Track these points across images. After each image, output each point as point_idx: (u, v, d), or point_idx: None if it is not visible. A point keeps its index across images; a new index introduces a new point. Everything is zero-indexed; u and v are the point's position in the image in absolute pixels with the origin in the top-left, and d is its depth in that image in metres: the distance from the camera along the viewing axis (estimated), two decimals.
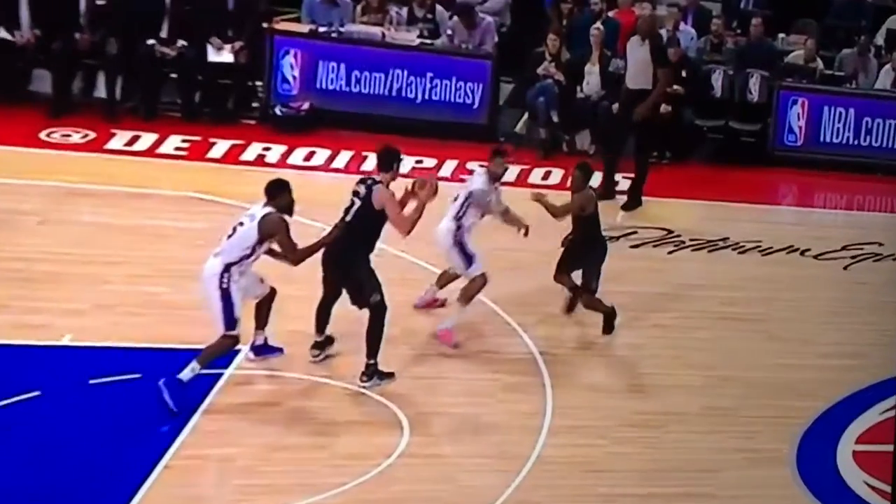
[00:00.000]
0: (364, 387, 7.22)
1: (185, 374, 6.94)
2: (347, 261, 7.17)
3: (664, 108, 10.79)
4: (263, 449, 6.76)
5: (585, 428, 7.29)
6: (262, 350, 7.44)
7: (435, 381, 7.48)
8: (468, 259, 7.79)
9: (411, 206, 7.37)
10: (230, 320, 6.95)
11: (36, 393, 6.84)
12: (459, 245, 7.79)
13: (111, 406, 6.84)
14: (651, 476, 6.98)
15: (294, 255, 7.04)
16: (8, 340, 7.39)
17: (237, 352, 7.31)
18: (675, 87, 11.08)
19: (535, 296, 8.55)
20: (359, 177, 7.59)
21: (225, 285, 6.95)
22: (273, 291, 7.30)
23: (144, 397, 6.96)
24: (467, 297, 7.80)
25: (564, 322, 8.30)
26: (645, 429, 7.34)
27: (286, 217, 7.07)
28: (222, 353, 7.06)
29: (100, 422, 6.67)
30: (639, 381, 7.82)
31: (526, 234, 8.03)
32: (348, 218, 7.23)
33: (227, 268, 7.00)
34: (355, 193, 7.27)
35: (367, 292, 7.13)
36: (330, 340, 7.45)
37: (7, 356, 7.28)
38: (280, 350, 7.45)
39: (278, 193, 7.08)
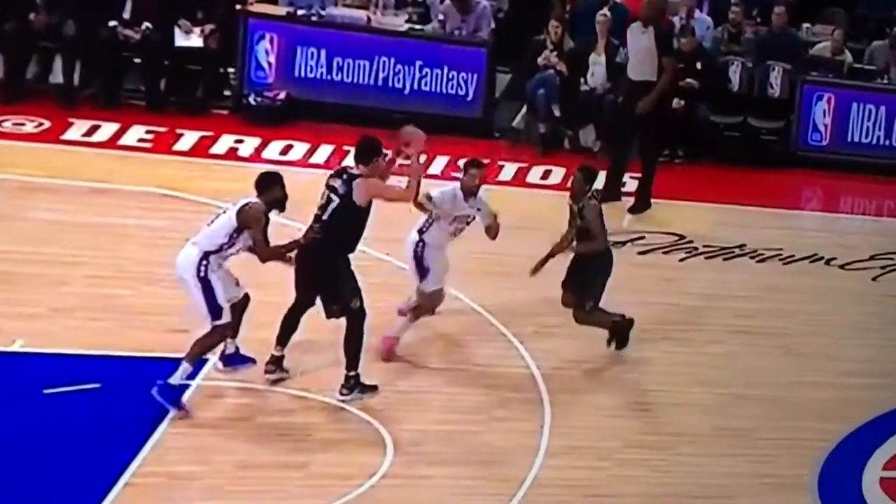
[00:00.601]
0: (344, 400, 7.33)
1: (177, 377, 7.03)
2: (324, 263, 7.26)
3: (676, 102, 10.92)
4: (233, 466, 6.86)
5: (586, 449, 7.38)
6: (233, 360, 7.55)
7: (422, 396, 7.58)
8: (423, 273, 7.84)
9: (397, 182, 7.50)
10: (215, 308, 7.06)
11: None
12: (418, 259, 7.85)
13: (67, 418, 6.93)
14: (659, 501, 7.09)
15: (264, 252, 7.16)
16: None
17: (205, 361, 7.42)
18: (690, 80, 11.22)
19: (533, 305, 8.66)
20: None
21: (203, 273, 7.07)
22: (247, 297, 7.41)
23: (103, 409, 7.05)
24: (417, 314, 7.86)
25: (564, 334, 8.40)
26: (652, 451, 7.44)
27: (273, 212, 7.17)
28: (214, 346, 7.15)
29: (55, 435, 6.76)
30: (645, 398, 7.93)
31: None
32: (325, 216, 7.31)
33: (206, 256, 7.14)
34: (331, 189, 7.33)
35: (346, 297, 7.24)
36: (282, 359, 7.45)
37: None
38: (252, 360, 7.56)
39: (267, 187, 7.21)
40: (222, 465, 6.86)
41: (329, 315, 7.33)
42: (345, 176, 7.34)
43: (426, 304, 7.90)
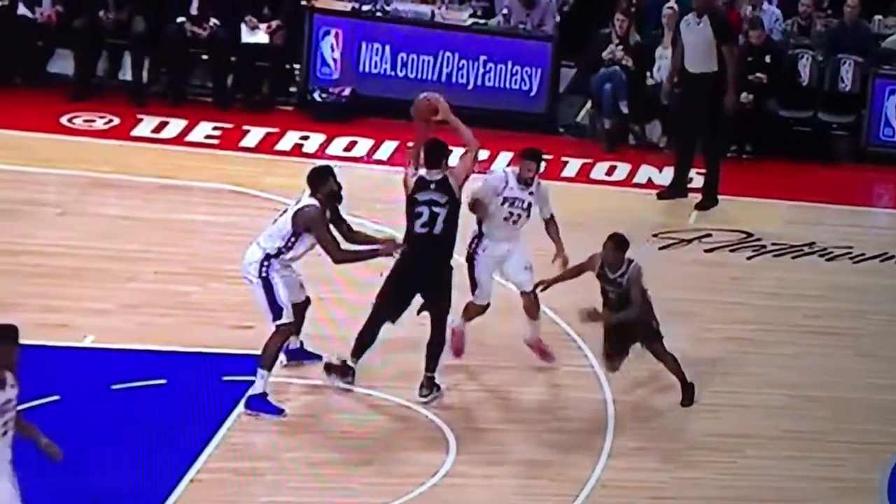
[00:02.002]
0: (425, 402, 7.32)
1: (258, 387, 7.11)
2: (445, 274, 7.29)
3: (745, 96, 10.80)
4: (297, 463, 6.92)
5: (651, 450, 7.34)
6: (297, 354, 7.61)
7: (486, 395, 7.59)
8: (472, 285, 7.69)
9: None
10: (276, 308, 7.12)
11: (55, 398, 7.06)
12: (469, 272, 7.67)
13: (135, 414, 7.04)
14: None
15: (336, 255, 7.18)
16: (25, 340, 7.62)
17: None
18: (758, 74, 11.08)
19: (597, 303, 8.57)
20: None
21: (264, 273, 7.14)
22: (307, 300, 7.45)
23: (170, 405, 7.16)
24: (469, 315, 7.71)
25: None
26: (717, 452, 7.38)
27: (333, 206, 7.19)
28: (281, 347, 7.21)
29: (123, 431, 6.87)
30: (711, 399, 7.84)
31: (558, 260, 7.68)
32: (437, 231, 7.26)
33: (268, 257, 7.19)
34: (430, 203, 7.26)
35: (446, 304, 7.24)
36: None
37: (24, 357, 7.51)
38: (318, 357, 7.60)
39: (319, 183, 7.24)
40: (287, 461, 6.93)
41: (427, 308, 7.30)
42: (433, 185, 7.31)
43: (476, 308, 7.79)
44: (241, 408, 7.22)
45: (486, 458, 7.11)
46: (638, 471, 7.16)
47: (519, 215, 7.72)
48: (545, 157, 8.38)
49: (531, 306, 7.78)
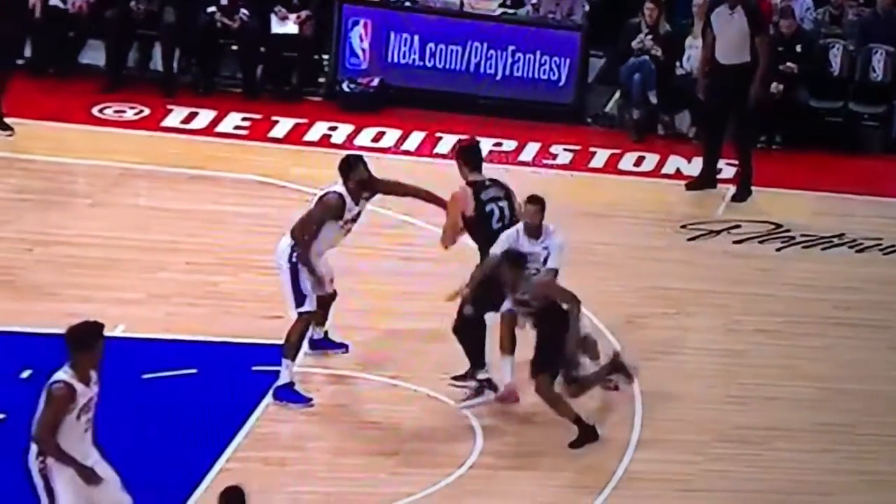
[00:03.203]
0: (465, 406, 7.22)
1: (283, 377, 7.12)
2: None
3: (775, 87, 10.69)
4: (325, 453, 6.94)
5: (678, 442, 7.30)
6: (321, 343, 7.59)
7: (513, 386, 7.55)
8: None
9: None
10: (299, 295, 7.13)
11: None
12: None
13: (165, 403, 7.07)
14: (752, 498, 6.97)
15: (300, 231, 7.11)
16: (56, 329, 7.67)
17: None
18: (789, 64, 10.97)
19: (624, 295, 8.59)
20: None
21: (294, 260, 7.15)
22: (334, 293, 7.43)
23: (200, 394, 7.18)
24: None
25: (656, 324, 8.32)
26: (746, 445, 7.33)
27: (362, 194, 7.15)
28: (304, 336, 7.22)
29: (153, 420, 6.90)
30: (740, 392, 7.79)
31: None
32: (506, 223, 7.26)
33: (297, 244, 7.20)
34: (496, 199, 7.23)
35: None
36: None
37: (55, 346, 7.56)
38: (344, 347, 7.59)
39: (349, 170, 7.24)
40: (315, 451, 6.95)
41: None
42: (488, 183, 7.31)
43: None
44: (269, 398, 7.22)
45: (513, 449, 7.10)
46: (665, 463, 7.12)
47: (537, 269, 7.34)
48: (572, 147, 8.28)
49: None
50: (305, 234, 7.17)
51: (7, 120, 9.76)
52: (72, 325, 5.78)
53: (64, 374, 5.74)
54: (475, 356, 7.21)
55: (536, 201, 7.29)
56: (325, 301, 7.42)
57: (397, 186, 7.47)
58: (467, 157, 7.34)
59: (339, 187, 7.26)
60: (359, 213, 7.35)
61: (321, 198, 7.27)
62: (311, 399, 7.22)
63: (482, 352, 7.20)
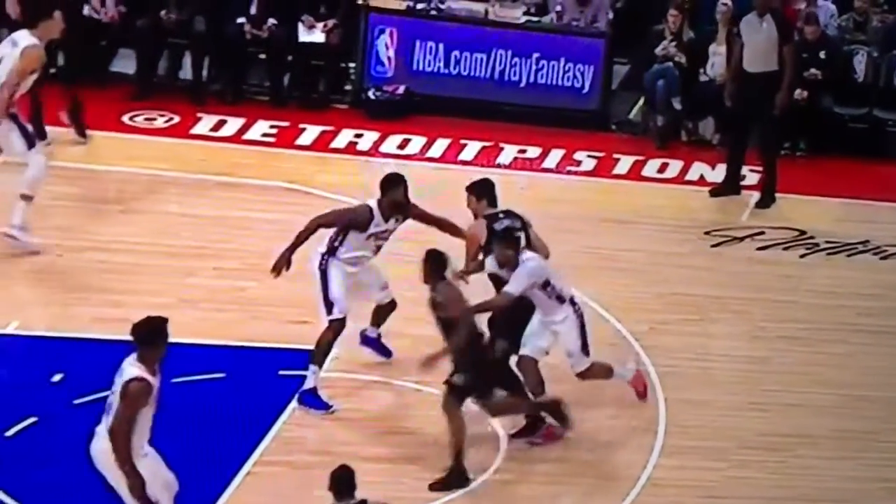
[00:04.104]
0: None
1: (309, 382, 7.20)
2: None
3: (799, 93, 10.67)
4: (351, 458, 6.92)
5: (702, 449, 7.30)
6: (371, 342, 7.64)
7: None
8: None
9: None
10: (327, 301, 7.21)
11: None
12: None
13: (193, 407, 7.14)
14: None
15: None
16: (87, 334, 7.78)
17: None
18: (813, 70, 10.94)
19: (647, 301, 8.60)
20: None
21: (323, 266, 7.25)
22: (393, 303, 7.49)
23: (228, 399, 7.25)
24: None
25: (678, 331, 8.32)
26: (769, 452, 7.33)
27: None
28: (332, 343, 7.29)
29: (181, 424, 6.98)
30: (763, 398, 7.79)
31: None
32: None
33: (327, 252, 7.29)
34: (517, 230, 7.17)
35: None
36: None
37: (86, 350, 7.67)
38: (388, 353, 7.62)
39: (388, 188, 7.32)
40: (340, 456, 6.95)
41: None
42: (501, 215, 7.28)
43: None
44: (295, 402, 7.29)
45: (537, 454, 7.12)
46: (689, 469, 7.13)
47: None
48: (596, 154, 8.22)
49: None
50: (332, 232, 7.22)
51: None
52: (137, 321, 5.92)
53: (136, 370, 5.86)
54: (519, 391, 7.16)
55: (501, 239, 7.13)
56: (385, 310, 7.48)
57: (427, 216, 7.45)
58: (482, 192, 7.33)
59: (373, 201, 7.35)
60: (388, 233, 7.39)
61: (356, 207, 7.39)
62: (331, 406, 7.27)
63: (522, 387, 7.14)
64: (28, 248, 8.47)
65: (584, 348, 7.17)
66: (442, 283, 6.85)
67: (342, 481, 5.62)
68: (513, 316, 7.12)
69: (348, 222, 7.31)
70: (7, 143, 8.47)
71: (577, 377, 7.23)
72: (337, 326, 7.29)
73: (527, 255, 7.04)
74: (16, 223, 8.43)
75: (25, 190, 8.44)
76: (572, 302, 7.13)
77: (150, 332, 5.90)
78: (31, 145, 8.47)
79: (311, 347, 7.34)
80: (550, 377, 7.37)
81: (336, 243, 7.33)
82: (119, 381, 5.89)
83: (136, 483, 5.78)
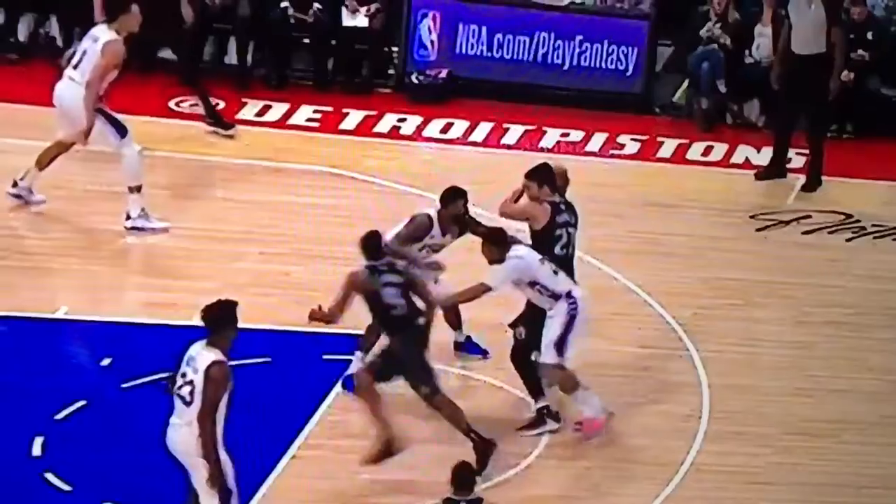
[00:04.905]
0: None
1: (353, 368, 7.22)
2: None
3: (846, 74, 10.52)
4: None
5: (746, 434, 7.26)
6: (465, 347, 7.63)
7: (582, 377, 7.47)
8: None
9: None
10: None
11: (164, 374, 7.25)
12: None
13: (239, 391, 7.17)
14: (820, 491, 6.93)
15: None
16: (136, 319, 7.86)
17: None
18: (860, 51, 10.79)
19: (692, 286, 8.54)
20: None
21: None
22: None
23: (273, 383, 7.29)
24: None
25: (723, 316, 8.26)
26: (814, 438, 7.28)
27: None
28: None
29: (228, 408, 7.01)
30: (808, 384, 7.73)
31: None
32: (570, 252, 7.22)
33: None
34: (567, 225, 7.17)
35: None
36: None
37: (136, 336, 7.75)
38: (484, 352, 7.58)
39: (447, 201, 7.31)
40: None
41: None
42: (562, 206, 7.23)
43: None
44: (339, 386, 7.32)
45: (580, 441, 7.10)
46: (733, 455, 7.09)
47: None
48: (640, 137, 8.14)
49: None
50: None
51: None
52: (207, 305, 5.97)
53: (213, 354, 5.91)
54: (533, 385, 7.14)
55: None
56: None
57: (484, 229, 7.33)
58: (543, 178, 7.22)
59: (433, 211, 7.36)
60: (441, 246, 7.37)
61: (413, 217, 7.34)
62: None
63: (538, 380, 7.13)
64: (156, 232, 8.60)
65: (559, 345, 6.95)
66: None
67: (463, 477, 5.70)
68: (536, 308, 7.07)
69: (412, 234, 7.24)
70: (101, 137, 8.55)
71: (540, 370, 7.04)
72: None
73: (515, 251, 6.99)
74: (133, 214, 8.59)
75: (130, 182, 8.59)
76: (569, 296, 6.98)
77: (222, 316, 5.95)
78: (122, 136, 8.57)
79: (355, 332, 7.36)
80: (601, 362, 7.32)
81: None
82: (192, 369, 5.92)
83: (217, 471, 5.83)
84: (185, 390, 5.91)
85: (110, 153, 8.80)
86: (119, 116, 8.67)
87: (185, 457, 5.95)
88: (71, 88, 8.53)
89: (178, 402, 5.98)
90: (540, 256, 7.01)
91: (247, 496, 6.34)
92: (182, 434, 5.91)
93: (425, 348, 6.77)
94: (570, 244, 7.25)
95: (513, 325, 7.20)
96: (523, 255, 6.98)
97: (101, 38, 8.53)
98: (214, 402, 5.86)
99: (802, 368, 7.86)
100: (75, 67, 8.56)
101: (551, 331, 6.97)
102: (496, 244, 6.97)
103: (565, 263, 7.19)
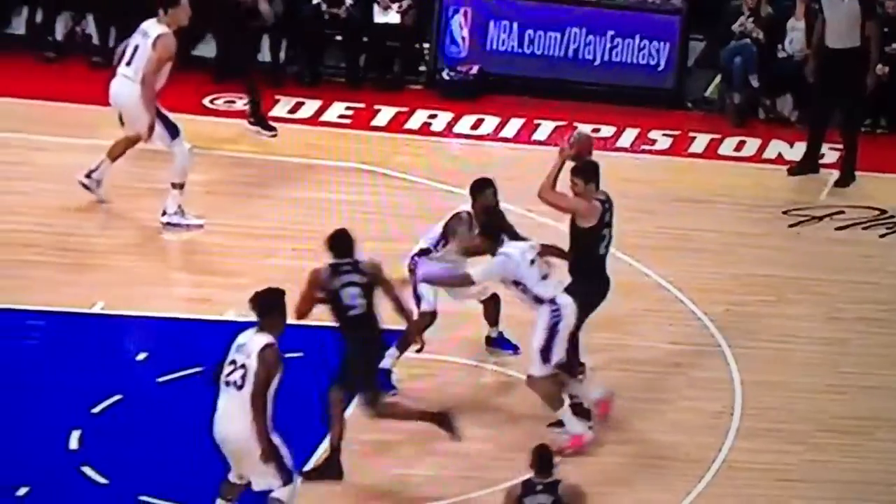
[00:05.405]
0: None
1: (385, 363, 7.23)
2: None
3: (880, 69, 10.45)
4: (423, 437, 7.03)
5: (779, 432, 7.25)
6: (497, 342, 7.65)
7: (610, 373, 7.57)
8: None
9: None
10: (416, 295, 7.26)
11: (198, 369, 7.35)
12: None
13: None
14: (853, 488, 6.91)
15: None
16: (171, 314, 7.95)
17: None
18: (895, 45, 10.71)
19: (723, 282, 8.52)
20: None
21: (412, 266, 7.32)
22: (495, 297, 7.42)
23: (306, 377, 7.35)
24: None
25: (755, 312, 8.24)
26: (847, 435, 7.27)
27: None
28: (420, 332, 7.30)
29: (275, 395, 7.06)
30: (840, 380, 7.71)
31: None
32: (609, 252, 7.25)
33: (421, 252, 7.36)
34: (610, 226, 7.16)
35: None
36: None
37: (171, 331, 7.84)
38: (515, 347, 7.57)
39: (475, 193, 7.30)
40: (414, 434, 7.06)
41: None
42: (607, 204, 7.18)
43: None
44: (391, 392, 7.31)
45: (612, 436, 7.12)
46: (765, 452, 7.09)
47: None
48: (672, 133, 8.15)
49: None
50: (434, 239, 7.26)
51: None
52: (257, 291, 6.13)
53: (266, 338, 6.02)
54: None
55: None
56: (488, 304, 7.45)
57: (511, 227, 7.35)
58: (589, 175, 7.14)
59: (468, 206, 7.35)
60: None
61: (455, 214, 7.33)
62: (394, 389, 7.25)
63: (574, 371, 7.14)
64: (191, 229, 8.71)
65: (545, 353, 6.88)
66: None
67: (543, 459, 5.77)
68: (586, 297, 7.08)
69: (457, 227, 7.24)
70: (154, 135, 8.62)
71: (526, 380, 7.01)
72: (427, 319, 7.31)
73: (505, 248, 6.98)
74: (170, 210, 8.69)
75: (175, 179, 8.68)
76: (553, 303, 6.91)
77: (271, 302, 6.08)
78: (174, 136, 8.65)
79: (386, 327, 7.40)
80: (632, 358, 7.32)
81: (435, 249, 7.28)
82: (243, 354, 5.99)
83: (270, 447, 5.92)
84: (236, 375, 6.00)
85: (153, 150, 8.89)
86: (171, 115, 8.75)
87: (237, 443, 6.02)
88: (126, 86, 8.62)
89: (226, 391, 6.05)
90: (532, 258, 6.96)
91: None
92: (233, 420, 5.98)
93: (376, 354, 6.71)
94: (610, 242, 7.25)
95: None
96: (512, 254, 6.96)
97: (151, 33, 8.58)
98: (267, 382, 5.96)
99: (835, 365, 7.83)
100: (128, 64, 8.62)
101: (536, 340, 6.93)
102: (489, 238, 7.00)
103: (603, 261, 7.18)
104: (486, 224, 7.15)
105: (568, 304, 6.95)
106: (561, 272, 7.20)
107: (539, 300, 6.93)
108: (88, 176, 8.82)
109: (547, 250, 7.14)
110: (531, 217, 8.03)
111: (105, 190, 8.89)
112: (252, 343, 6.00)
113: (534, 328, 6.93)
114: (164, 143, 8.70)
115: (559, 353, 6.94)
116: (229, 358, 6.07)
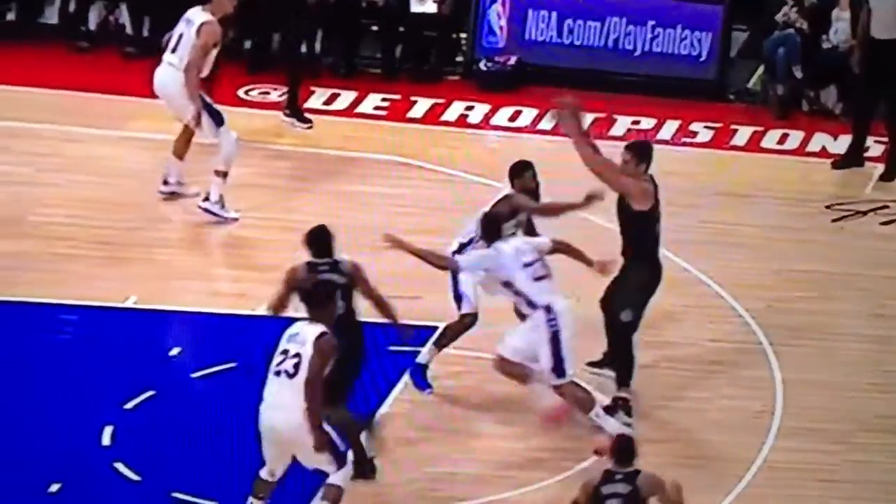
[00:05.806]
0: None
1: (422, 358, 7.26)
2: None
3: None
4: (458, 434, 7.02)
5: (820, 431, 7.16)
6: None
7: (649, 371, 7.48)
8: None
9: None
10: (456, 295, 7.21)
11: (232, 364, 7.35)
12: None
13: None
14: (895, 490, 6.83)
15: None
16: (204, 308, 7.96)
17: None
18: None
19: (764, 278, 8.41)
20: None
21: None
22: None
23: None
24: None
25: (797, 309, 8.13)
26: (891, 435, 7.15)
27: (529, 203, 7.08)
28: (459, 334, 7.30)
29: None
30: (884, 379, 7.59)
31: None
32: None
33: (460, 247, 7.30)
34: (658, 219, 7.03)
35: None
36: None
37: (204, 325, 7.85)
38: None
39: (514, 176, 7.27)
40: (448, 432, 7.05)
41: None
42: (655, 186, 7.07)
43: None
44: (405, 377, 7.33)
45: (650, 434, 7.03)
46: (806, 452, 6.99)
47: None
48: (713, 125, 8.04)
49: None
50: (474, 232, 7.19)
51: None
52: (313, 283, 6.21)
53: (320, 327, 6.06)
54: (625, 371, 7.04)
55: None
56: None
57: (552, 207, 7.27)
58: (643, 155, 7.00)
59: (510, 190, 7.29)
60: (521, 224, 7.27)
61: (507, 196, 7.24)
62: (430, 387, 7.23)
63: (631, 368, 7.04)
64: (225, 221, 8.71)
65: (558, 369, 6.73)
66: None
67: (624, 450, 5.77)
68: (643, 284, 6.97)
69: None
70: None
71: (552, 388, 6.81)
72: (468, 321, 7.26)
73: (500, 243, 6.87)
74: (213, 198, 8.70)
75: (220, 167, 8.69)
76: (548, 310, 6.75)
77: (320, 293, 6.17)
78: (219, 124, 8.67)
79: (422, 323, 7.37)
80: (671, 356, 7.24)
81: (471, 245, 7.17)
82: (297, 343, 6.01)
83: (323, 436, 5.94)
84: (288, 364, 6.02)
85: (194, 143, 8.89)
86: (217, 106, 8.73)
87: (288, 432, 6.00)
88: (170, 74, 8.63)
89: (275, 381, 6.04)
90: (526, 261, 6.81)
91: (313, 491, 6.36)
92: (285, 409, 5.96)
93: (354, 368, 6.47)
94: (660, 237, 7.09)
95: (605, 306, 6.98)
96: (503, 249, 6.85)
97: (195, 21, 8.59)
98: (321, 370, 5.99)
99: (879, 363, 7.72)
100: (173, 52, 8.63)
101: (543, 360, 6.76)
102: (487, 229, 6.93)
103: (658, 245, 7.04)
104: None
105: (564, 309, 6.79)
106: (563, 276, 7.05)
107: (532, 304, 6.78)
108: (166, 183, 8.87)
109: (563, 248, 6.96)
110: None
111: (187, 185, 8.86)
112: (306, 332, 6.04)
113: (538, 343, 6.74)
114: (211, 132, 8.70)
115: (571, 359, 6.78)
116: (280, 348, 6.07)
